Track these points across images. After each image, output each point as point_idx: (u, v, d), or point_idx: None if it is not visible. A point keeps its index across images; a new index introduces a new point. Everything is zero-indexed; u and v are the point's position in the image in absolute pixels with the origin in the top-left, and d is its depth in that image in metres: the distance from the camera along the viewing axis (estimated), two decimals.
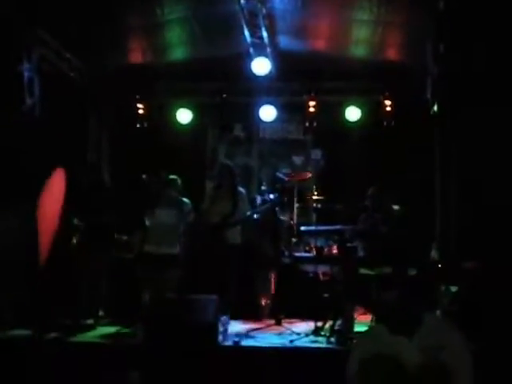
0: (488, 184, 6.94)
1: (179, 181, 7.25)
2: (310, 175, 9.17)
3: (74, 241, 7.10)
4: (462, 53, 6.81)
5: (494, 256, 6.41)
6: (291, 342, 6.04)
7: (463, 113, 7.13)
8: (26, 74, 7.01)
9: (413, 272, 7.20)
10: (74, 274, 7.03)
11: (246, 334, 6.39)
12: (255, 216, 7.81)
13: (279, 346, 5.97)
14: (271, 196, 8.13)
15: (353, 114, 9.52)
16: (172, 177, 7.25)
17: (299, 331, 6.45)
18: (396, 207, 7.49)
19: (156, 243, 6.91)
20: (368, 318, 6.33)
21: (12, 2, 6.63)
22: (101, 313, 7.17)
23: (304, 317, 7.10)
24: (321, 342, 6.06)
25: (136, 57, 8.81)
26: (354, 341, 3.90)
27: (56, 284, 7.06)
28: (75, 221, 7.11)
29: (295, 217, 8.58)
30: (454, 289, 6.17)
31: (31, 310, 6.64)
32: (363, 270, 6.58)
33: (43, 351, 5.81)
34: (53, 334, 6.25)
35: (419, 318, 3.07)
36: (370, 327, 3.09)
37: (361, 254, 7.04)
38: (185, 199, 7.22)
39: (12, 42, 6.87)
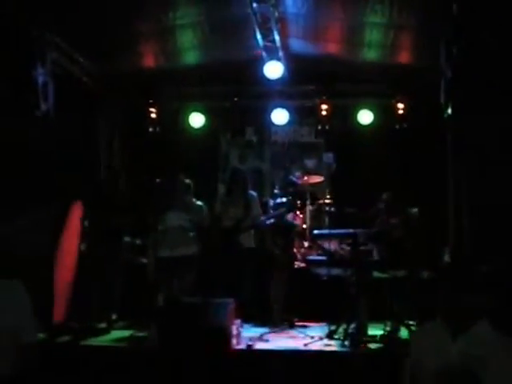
0: (502, 187, 6.89)
1: (192, 185, 7.31)
2: (319, 179, 9.08)
3: (86, 243, 7.12)
4: (476, 55, 6.77)
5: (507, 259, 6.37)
6: (305, 345, 6.03)
7: (477, 116, 7.08)
8: (40, 79, 7.03)
9: (426, 275, 7.18)
10: (87, 277, 7.05)
11: (260, 338, 6.38)
12: (269, 221, 7.80)
13: (293, 349, 5.96)
14: (284, 199, 8.11)
15: (365, 117, 9.50)
16: (187, 181, 7.29)
17: (313, 335, 6.43)
18: (415, 210, 7.45)
19: (170, 247, 6.92)
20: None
21: (25, 6, 6.66)
22: (114, 316, 7.19)
23: (317, 320, 7.10)
24: (335, 346, 6.05)
25: (148, 61, 8.83)
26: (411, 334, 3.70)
27: (69, 287, 7.09)
28: (86, 223, 7.12)
29: (308, 220, 8.55)
30: None
31: (45, 313, 6.65)
32: (377, 274, 6.57)
33: (56, 355, 5.81)
34: (65, 338, 6.26)
35: (468, 322, 2.97)
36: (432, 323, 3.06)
37: (375, 257, 7.02)
38: (199, 203, 7.24)
39: (25, 47, 6.90)
